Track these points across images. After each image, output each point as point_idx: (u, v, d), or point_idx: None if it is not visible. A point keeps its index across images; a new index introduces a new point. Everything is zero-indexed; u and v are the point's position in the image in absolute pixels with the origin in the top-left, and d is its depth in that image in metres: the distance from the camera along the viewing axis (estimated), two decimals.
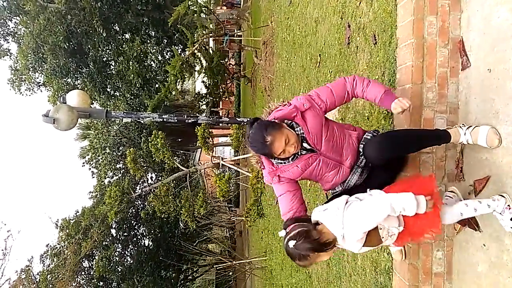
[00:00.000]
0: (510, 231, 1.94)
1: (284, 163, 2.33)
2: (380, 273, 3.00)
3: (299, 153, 2.30)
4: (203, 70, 11.97)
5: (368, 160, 2.31)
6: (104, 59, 15.93)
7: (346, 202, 1.95)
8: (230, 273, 14.07)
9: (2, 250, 14.43)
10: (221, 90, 14.92)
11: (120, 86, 15.75)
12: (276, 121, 2.27)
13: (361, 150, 2.35)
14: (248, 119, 2.46)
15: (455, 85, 2.39)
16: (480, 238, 2.16)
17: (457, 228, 2.33)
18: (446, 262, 2.38)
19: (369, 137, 2.38)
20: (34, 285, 14.72)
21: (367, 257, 3.27)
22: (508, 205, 1.94)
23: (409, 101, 2.17)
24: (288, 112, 2.29)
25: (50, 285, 15.01)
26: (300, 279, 6.09)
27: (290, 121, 2.31)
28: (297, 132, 2.28)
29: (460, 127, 2.21)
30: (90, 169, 18.87)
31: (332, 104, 2.33)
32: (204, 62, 11.89)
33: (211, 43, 17.00)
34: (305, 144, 2.29)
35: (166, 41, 16.86)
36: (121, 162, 17.67)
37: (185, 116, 5.21)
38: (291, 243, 1.90)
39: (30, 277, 15.01)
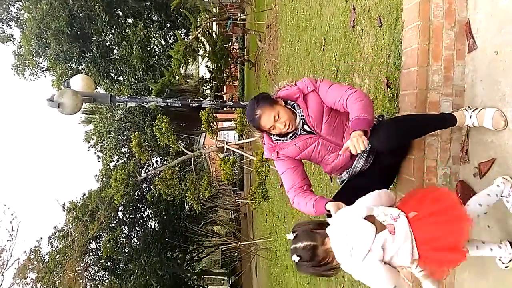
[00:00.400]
0: None
1: (283, 140, 2.37)
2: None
3: (298, 133, 2.34)
4: (207, 55, 11.90)
5: (374, 147, 2.31)
6: (107, 43, 15.88)
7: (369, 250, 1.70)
8: (235, 254, 14.29)
9: (9, 232, 14.70)
10: (224, 74, 14.84)
11: (124, 70, 15.74)
12: (274, 96, 2.31)
13: None
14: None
15: (461, 68, 2.38)
16: (484, 219, 2.18)
17: None
18: None
19: (374, 122, 2.39)
20: (43, 265, 15.01)
21: None
22: None
23: (365, 144, 1.97)
24: (292, 92, 2.34)
25: (59, 265, 15.31)
26: None
27: (292, 102, 2.35)
28: (298, 114, 2.32)
29: (466, 109, 2.22)
30: (95, 153, 19.01)
31: (323, 101, 2.33)
32: (207, 46, 11.81)
33: (215, 27, 16.83)
34: (305, 127, 2.33)
35: (169, 25, 16.74)
36: (126, 146, 17.77)
37: (189, 101, 5.23)
38: (295, 258, 1.82)
39: (39, 257, 15.32)
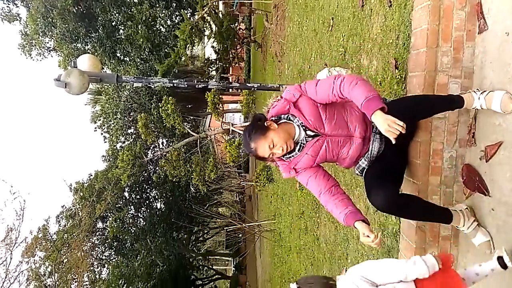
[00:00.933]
0: None
1: (293, 155, 2.34)
2: (388, 236, 3.07)
3: (304, 142, 2.30)
4: (213, 35, 11.80)
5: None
6: (113, 23, 15.79)
7: None
8: (240, 235, 14.44)
9: (17, 211, 14.97)
10: (231, 55, 14.74)
11: (130, 51, 15.68)
12: (266, 123, 2.26)
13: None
14: (253, 115, 2.45)
15: (471, 49, 2.34)
16: (489, 202, 2.18)
17: (466, 192, 2.36)
18: (454, 226, 2.42)
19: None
20: (51, 244, 15.32)
21: (375, 221, 3.33)
22: None
23: (399, 123, 1.95)
24: (282, 107, 2.30)
25: (67, 245, 15.61)
26: (308, 241, 6.24)
27: (286, 115, 2.32)
28: (296, 124, 2.28)
29: (474, 91, 2.19)
30: (102, 133, 19.14)
31: (317, 100, 2.28)
32: (213, 26, 11.70)
33: (221, 7, 16.62)
34: (308, 132, 2.28)
35: (175, 4, 16.56)
36: (132, 127, 17.87)
37: (195, 81, 5.20)
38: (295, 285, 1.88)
39: (46, 236, 15.62)
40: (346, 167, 2.48)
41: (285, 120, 2.32)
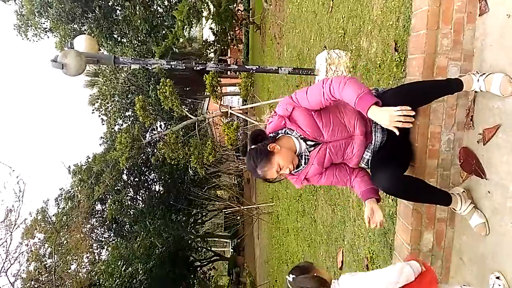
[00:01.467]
0: None
1: (300, 169, 2.37)
2: (384, 218, 3.09)
3: (307, 153, 2.32)
4: (211, 16, 11.65)
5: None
6: (110, 3, 15.52)
7: None
8: (238, 218, 14.58)
9: (16, 193, 14.98)
10: (229, 37, 14.58)
11: (127, 32, 15.47)
12: (269, 147, 2.25)
13: None
14: (251, 132, 2.49)
15: (471, 32, 2.32)
16: (485, 185, 2.20)
17: (463, 175, 2.38)
18: (450, 209, 2.45)
19: (373, 92, 2.33)
20: (50, 226, 15.42)
21: None
22: None
23: (400, 108, 1.98)
24: (277, 123, 2.33)
25: (66, 226, 15.72)
26: (305, 223, 6.31)
27: (284, 129, 2.34)
28: (294, 136, 2.30)
29: (474, 74, 2.18)
30: (99, 116, 19.04)
31: (310, 108, 2.28)
32: (211, 7, 11.54)
33: None
34: (308, 142, 2.31)
35: None
36: (130, 109, 17.76)
37: (193, 63, 5.16)
38: (291, 277, 1.96)
39: (45, 218, 15.71)
40: (355, 165, 2.46)
41: (283, 134, 2.35)
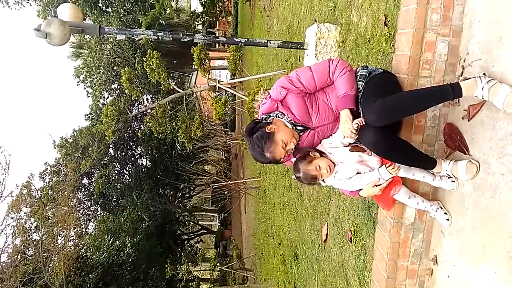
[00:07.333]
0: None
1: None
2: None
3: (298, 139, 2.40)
4: None
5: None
6: None
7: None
8: (225, 192, 14.67)
9: (1, 164, 14.74)
10: (217, 9, 14.29)
11: (113, 1, 15.02)
12: (267, 129, 2.30)
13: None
14: (245, 128, 2.51)
15: (460, 7, 2.31)
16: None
17: (447, 151, 2.41)
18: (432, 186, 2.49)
19: (364, 73, 2.35)
20: (37, 200, 15.30)
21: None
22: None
23: (353, 129, 2.17)
24: (270, 105, 2.41)
25: (52, 200, 15.61)
26: (291, 198, 6.39)
27: (276, 112, 2.41)
28: (285, 120, 2.37)
29: (480, 78, 2.02)
30: (85, 88, 18.68)
31: (312, 88, 2.36)
32: None
33: None
34: (298, 127, 2.39)
35: None
36: (116, 82, 17.44)
37: (181, 34, 5.04)
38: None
39: (31, 192, 15.54)
40: None
41: (274, 116, 2.42)
